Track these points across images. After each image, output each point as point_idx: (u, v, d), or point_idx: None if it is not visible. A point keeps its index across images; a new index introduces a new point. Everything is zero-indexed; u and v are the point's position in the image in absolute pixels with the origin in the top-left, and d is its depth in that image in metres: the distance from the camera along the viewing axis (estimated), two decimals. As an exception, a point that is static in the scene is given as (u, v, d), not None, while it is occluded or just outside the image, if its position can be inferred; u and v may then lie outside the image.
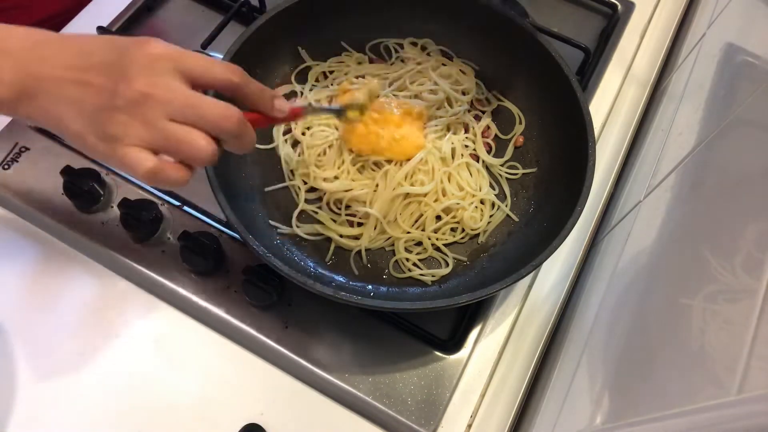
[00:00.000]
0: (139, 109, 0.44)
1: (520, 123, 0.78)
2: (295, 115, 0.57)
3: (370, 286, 0.68)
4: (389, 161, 0.72)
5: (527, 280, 0.73)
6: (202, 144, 0.45)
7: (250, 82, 0.50)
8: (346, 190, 0.71)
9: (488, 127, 0.78)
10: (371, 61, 0.82)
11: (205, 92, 0.49)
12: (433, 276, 0.69)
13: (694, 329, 0.41)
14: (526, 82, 0.79)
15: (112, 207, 0.72)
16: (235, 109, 0.46)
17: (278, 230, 0.69)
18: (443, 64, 0.80)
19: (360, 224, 0.70)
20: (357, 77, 0.79)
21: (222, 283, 0.69)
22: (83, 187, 0.69)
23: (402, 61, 0.82)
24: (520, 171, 0.76)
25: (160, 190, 0.73)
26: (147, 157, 0.45)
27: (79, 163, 0.74)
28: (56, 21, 0.86)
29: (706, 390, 0.35)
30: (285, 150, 0.74)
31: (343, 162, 0.72)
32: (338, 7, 0.79)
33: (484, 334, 0.69)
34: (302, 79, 0.79)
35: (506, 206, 0.73)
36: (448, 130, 0.76)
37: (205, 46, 0.81)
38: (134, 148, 0.44)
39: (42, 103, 0.46)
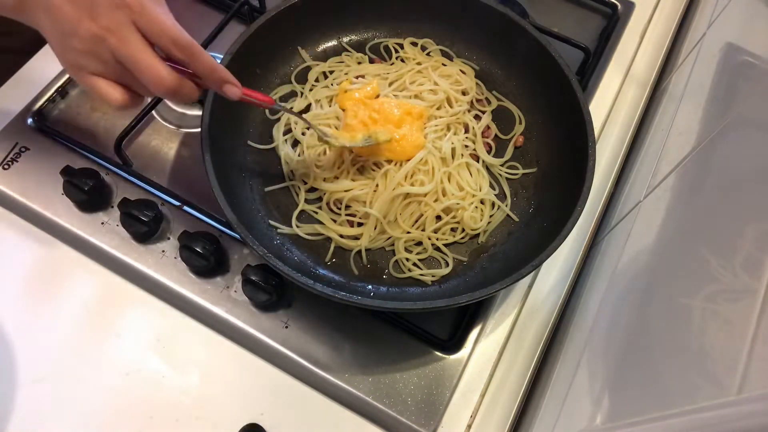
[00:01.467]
0: (94, 47, 0.49)
1: (520, 123, 0.78)
2: (263, 101, 0.60)
3: (370, 286, 0.68)
4: (389, 161, 0.72)
5: (527, 280, 0.73)
6: (116, 96, 0.52)
7: (196, 59, 0.52)
8: (346, 190, 0.71)
9: (488, 127, 0.78)
10: (371, 61, 0.82)
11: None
12: (433, 276, 0.69)
13: (694, 329, 0.41)
14: (526, 82, 0.79)
15: (112, 207, 0.72)
16: (171, 77, 0.51)
17: (278, 230, 0.69)
18: (443, 64, 0.80)
19: (360, 224, 0.70)
20: (357, 77, 0.79)
21: (222, 283, 0.69)
22: (83, 187, 0.69)
23: (402, 61, 0.82)
24: (520, 171, 0.76)
25: (160, 190, 0.73)
26: (113, 89, 0.52)
27: (79, 163, 0.74)
28: None
29: (706, 390, 0.35)
30: (285, 150, 0.74)
31: (343, 162, 0.72)
32: (338, 7, 0.79)
33: (484, 334, 0.69)
34: (302, 79, 0.79)
35: (506, 206, 0.73)
36: (448, 130, 0.76)
37: (205, 46, 0.81)
38: (99, 78, 0.51)
39: (33, 16, 0.51)
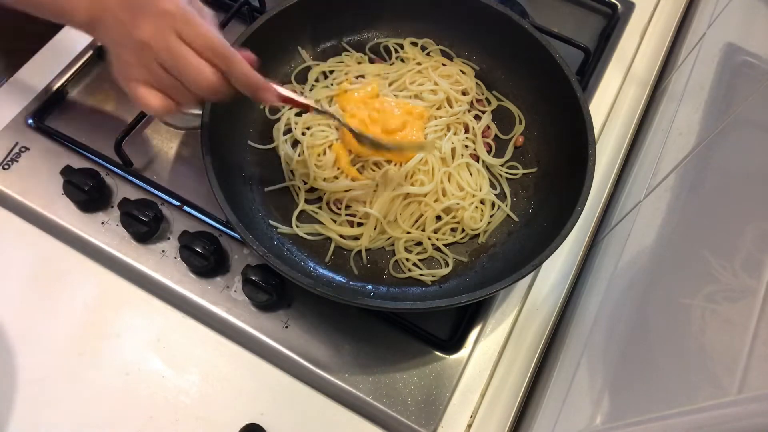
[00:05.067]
0: (140, 55, 0.53)
1: (520, 123, 0.78)
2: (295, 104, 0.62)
3: (370, 286, 0.68)
4: (389, 161, 0.72)
5: (527, 280, 0.73)
6: (186, 92, 0.55)
7: (233, 67, 0.55)
8: (346, 190, 0.71)
9: (488, 127, 0.78)
10: (371, 61, 0.82)
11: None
12: (433, 276, 0.69)
13: (694, 329, 0.41)
14: (526, 82, 0.79)
15: (112, 207, 0.72)
16: (215, 75, 0.54)
17: (278, 230, 0.69)
18: (443, 64, 0.80)
19: (360, 224, 0.70)
20: (357, 77, 0.79)
21: (222, 283, 0.69)
22: (83, 187, 0.69)
23: (402, 61, 0.82)
24: (520, 171, 0.76)
25: (160, 190, 0.73)
26: (152, 95, 0.55)
27: (79, 163, 0.74)
28: None
29: (706, 390, 0.35)
30: (285, 150, 0.74)
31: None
32: (338, 7, 0.79)
33: (484, 334, 0.69)
34: (302, 79, 0.79)
35: (506, 206, 0.73)
36: (448, 130, 0.76)
37: (205, 46, 0.81)
38: (141, 86, 0.55)
39: (101, 29, 0.55)
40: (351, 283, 0.68)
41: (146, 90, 0.55)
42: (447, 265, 0.70)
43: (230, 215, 0.60)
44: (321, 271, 0.68)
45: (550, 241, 0.62)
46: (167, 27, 0.52)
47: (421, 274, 0.69)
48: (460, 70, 0.80)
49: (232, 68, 0.55)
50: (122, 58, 0.55)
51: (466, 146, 0.75)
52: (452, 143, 0.74)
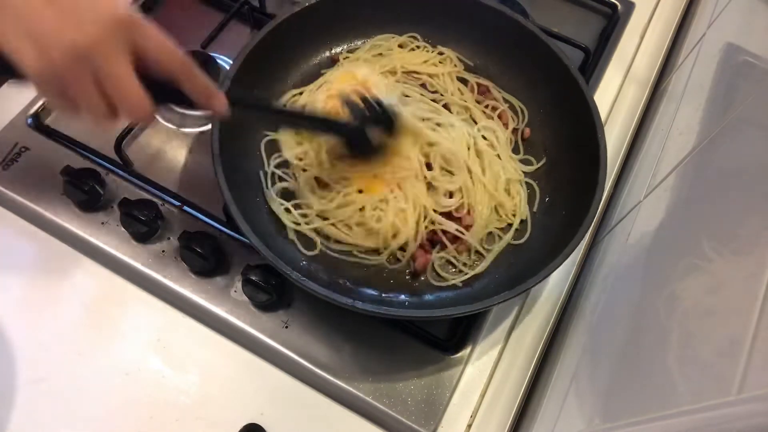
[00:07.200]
0: (73, 62, 0.43)
1: (523, 115, 0.78)
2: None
3: (402, 296, 0.68)
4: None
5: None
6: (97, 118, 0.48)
7: (194, 78, 0.50)
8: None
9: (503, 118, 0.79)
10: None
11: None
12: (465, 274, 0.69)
13: (694, 329, 0.41)
14: (522, 75, 0.79)
15: (112, 207, 0.72)
16: (149, 106, 0.47)
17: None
18: (440, 53, 0.81)
19: None
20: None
21: (222, 283, 0.69)
22: (83, 187, 0.69)
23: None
24: (534, 166, 0.75)
25: (160, 190, 0.73)
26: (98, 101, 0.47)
27: (79, 163, 0.74)
28: None
29: (706, 390, 0.35)
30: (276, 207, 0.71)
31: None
32: (339, 11, 0.79)
33: (484, 334, 0.69)
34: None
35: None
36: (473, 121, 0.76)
37: (204, 46, 0.81)
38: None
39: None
40: (383, 295, 0.68)
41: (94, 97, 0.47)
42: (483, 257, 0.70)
43: (236, 215, 0.60)
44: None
45: (574, 230, 0.63)
46: (117, 35, 0.44)
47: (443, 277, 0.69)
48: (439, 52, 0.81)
49: (194, 79, 0.50)
50: (47, 61, 0.43)
51: (484, 137, 0.75)
52: (472, 136, 0.74)
